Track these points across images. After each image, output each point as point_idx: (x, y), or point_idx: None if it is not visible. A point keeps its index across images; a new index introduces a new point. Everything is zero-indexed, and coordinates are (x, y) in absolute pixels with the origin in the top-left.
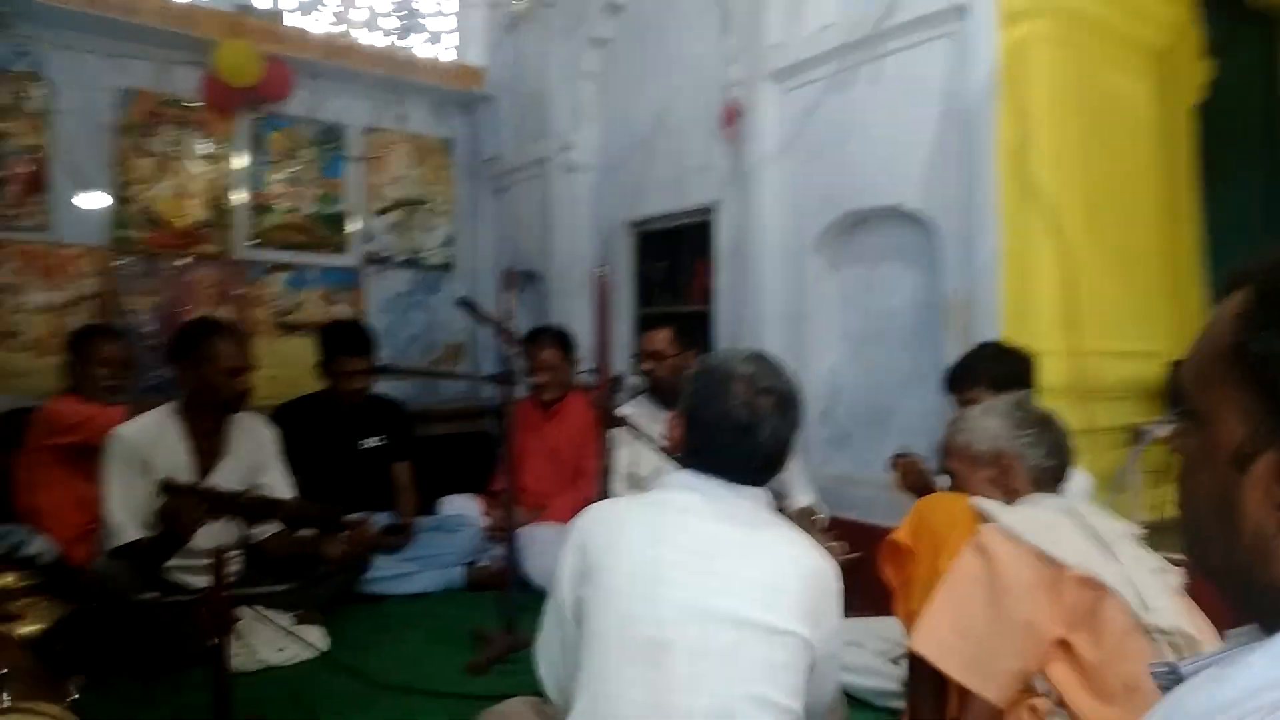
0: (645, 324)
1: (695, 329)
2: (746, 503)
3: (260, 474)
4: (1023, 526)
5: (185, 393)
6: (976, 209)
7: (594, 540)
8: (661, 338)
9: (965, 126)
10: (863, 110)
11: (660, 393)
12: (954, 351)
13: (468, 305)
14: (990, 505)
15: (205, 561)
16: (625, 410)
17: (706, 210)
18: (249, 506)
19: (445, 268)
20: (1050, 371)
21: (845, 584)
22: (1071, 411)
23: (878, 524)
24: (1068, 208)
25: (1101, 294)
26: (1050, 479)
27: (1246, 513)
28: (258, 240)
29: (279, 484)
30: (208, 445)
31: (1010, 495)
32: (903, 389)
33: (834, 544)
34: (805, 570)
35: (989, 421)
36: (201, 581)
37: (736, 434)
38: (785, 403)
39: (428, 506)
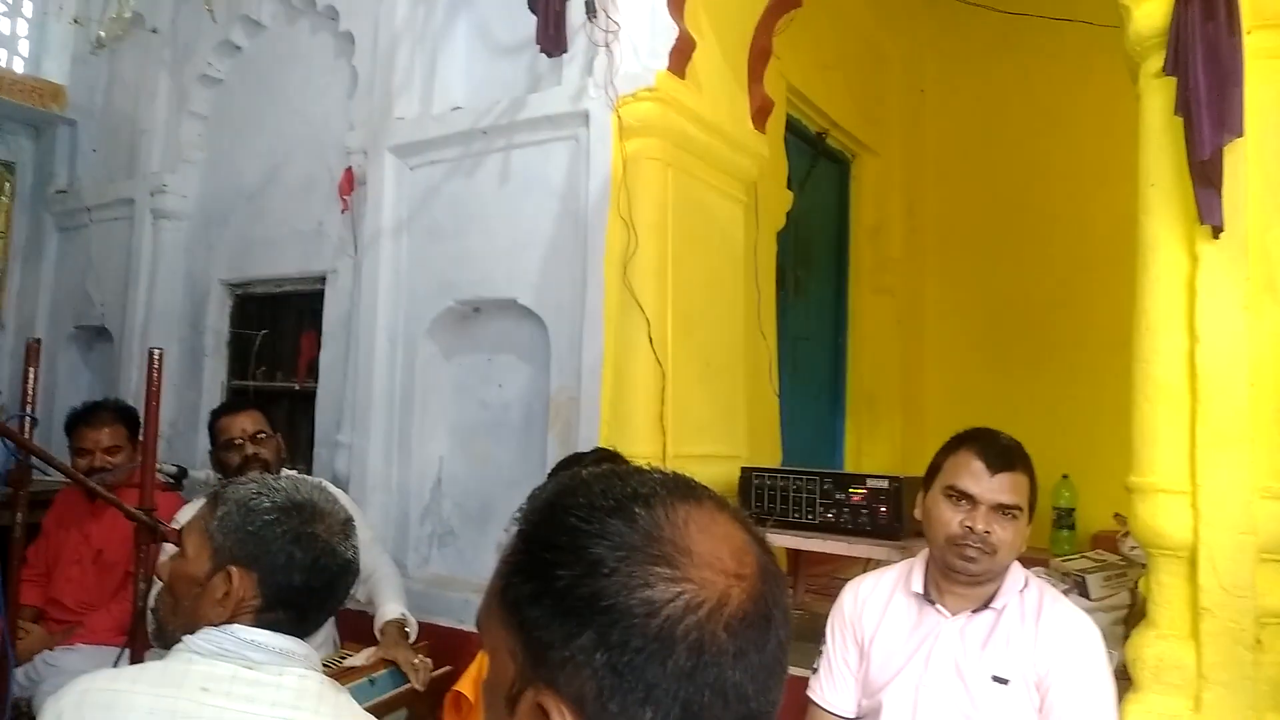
0: (220, 406)
1: (295, 409)
2: (294, 670)
3: None
4: None
5: None
6: (586, 311)
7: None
8: (247, 420)
9: (580, 229)
10: (484, 199)
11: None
12: (557, 450)
13: None
14: None
15: None
16: (196, 507)
17: (319, 279)
18: None
19: None
20: None
21: (431, 700)
22: None
23: (472, 631)
24: (664, 317)
25: (690, 400)
26: None
27: None
28: None
29: None
30: None
31: None
32: (509, 484)
33: (419, 660)
34: None
35: None
36: None
37: (331, 583)
38: (356, 537)
39: None
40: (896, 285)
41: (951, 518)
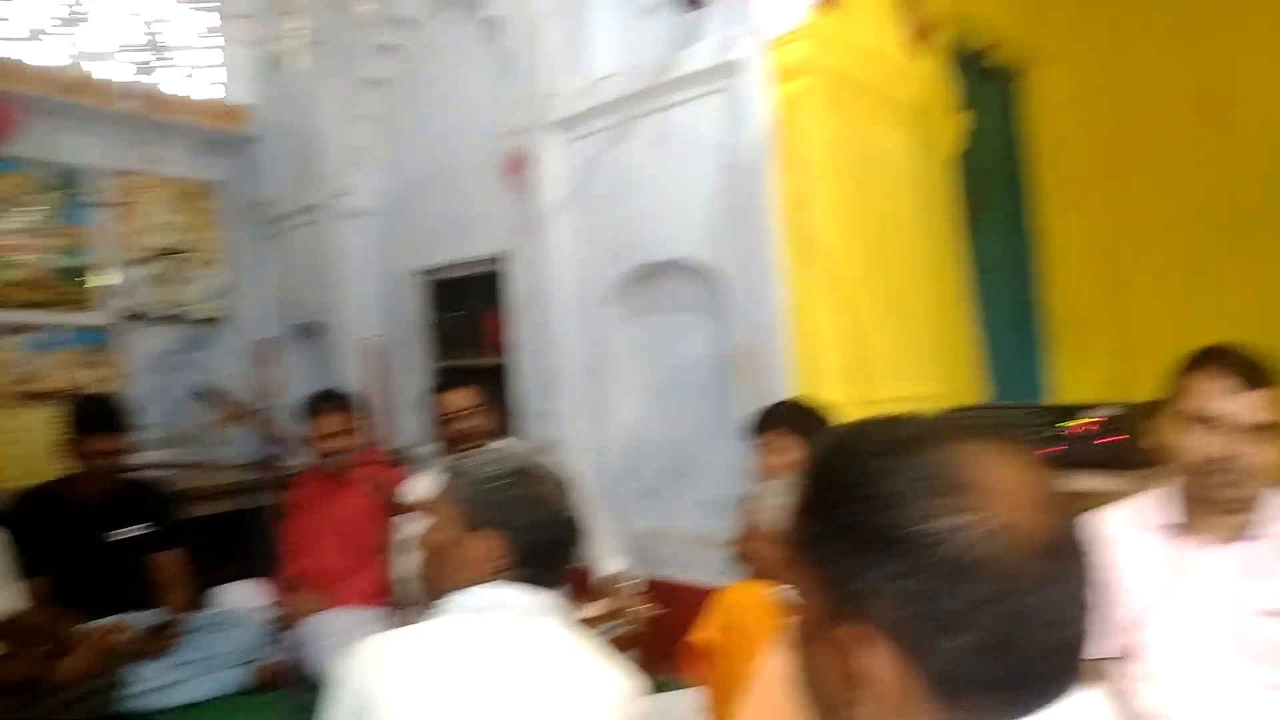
0: (441, 382)
1: (493, 384)
2: (547, 623)
3: None
4: None
5: None
6: (759, 262)
7: (369, 684)
8: (461, 397)
9: (744, 181)
10: (645, 163)
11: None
12: (747, 402)
13: (207, 397)
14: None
15: None
16: (422, 481)
17: (499, 259)
18: None
19: (215, 321)
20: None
21: (649, 643)
22: None
23: (686, 581)
24: (845, 259)
25: (880, 342)
26: None
27: (829, 680)
28: None
29: None
30: None
31: None
32: (703, 440)
33: (642, 607)
34: (607, 699)
35: (788, 499)
36: None
37: (566, 534)
38: (573, 489)
39: (201, 599)
40: (1088, 200)
41: (1199, 444)
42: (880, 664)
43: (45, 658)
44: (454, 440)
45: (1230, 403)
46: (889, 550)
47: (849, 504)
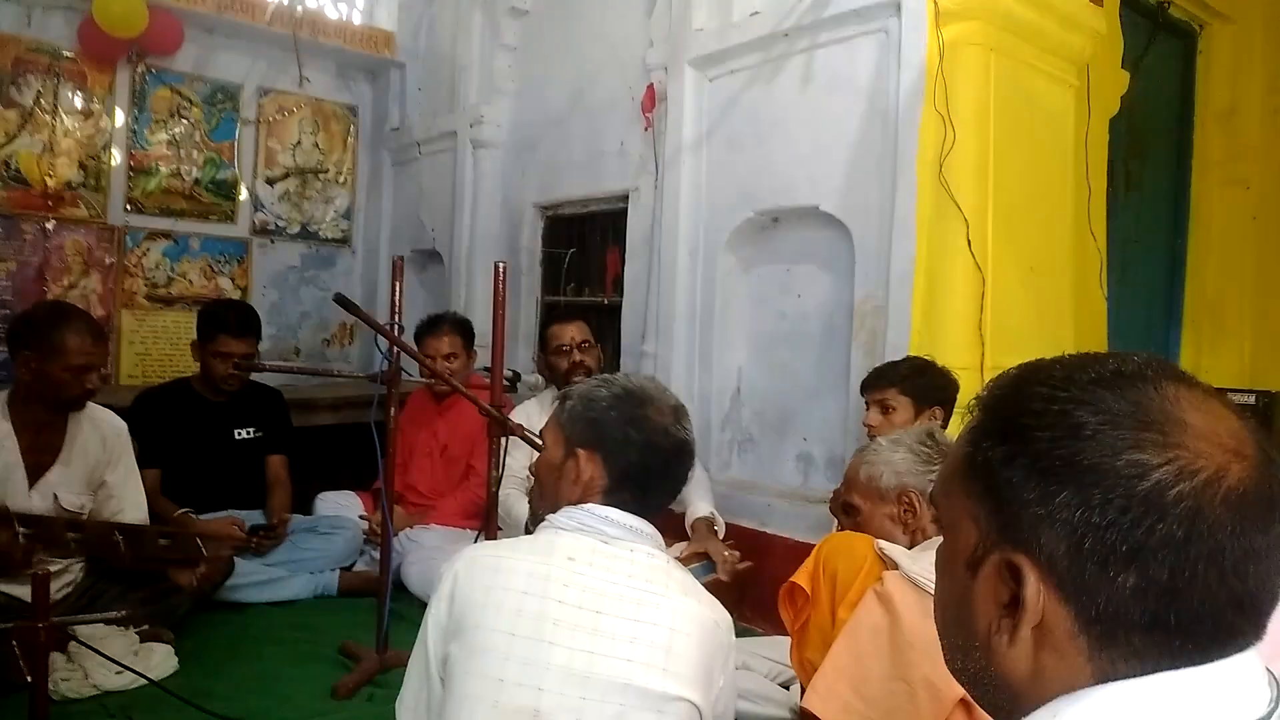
0: (551, 314)
1: (603, 322)
2: (643, 547)
3: (103, 474)
4: (930, 574)
5: (21, 383)
6: (895, 215)
7: (467, 590)
8: (575, 330)
9: (889, 129)
10: (786, 105)
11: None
12: (862, 360)
13: (344, 302)
14: (895, 550)
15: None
16: (527, 408)
17: (622, 198)
18: (83, 542)
19: (342, 242)
20: (961, 389)
21: (738, 595)
22: None
23: (775, 533)
24: (983, 219)
25: (1010, 306)
26: None
27: (976, 612)
28: (135, 205)
29: (126, 489)
30: (42, 443)
31: (914, 536)
32: (809, 394)
33: (729, 553)
34: (698, 627)
35: (896, 455)
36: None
37: (666, 458)
38: (689, 422)
39: (304, 504)
40: (1254, 176)
41: None
42: (1035, 595)
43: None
44: (565, 372)
45: None
46: (1074, 481)
47: (1040, 430)
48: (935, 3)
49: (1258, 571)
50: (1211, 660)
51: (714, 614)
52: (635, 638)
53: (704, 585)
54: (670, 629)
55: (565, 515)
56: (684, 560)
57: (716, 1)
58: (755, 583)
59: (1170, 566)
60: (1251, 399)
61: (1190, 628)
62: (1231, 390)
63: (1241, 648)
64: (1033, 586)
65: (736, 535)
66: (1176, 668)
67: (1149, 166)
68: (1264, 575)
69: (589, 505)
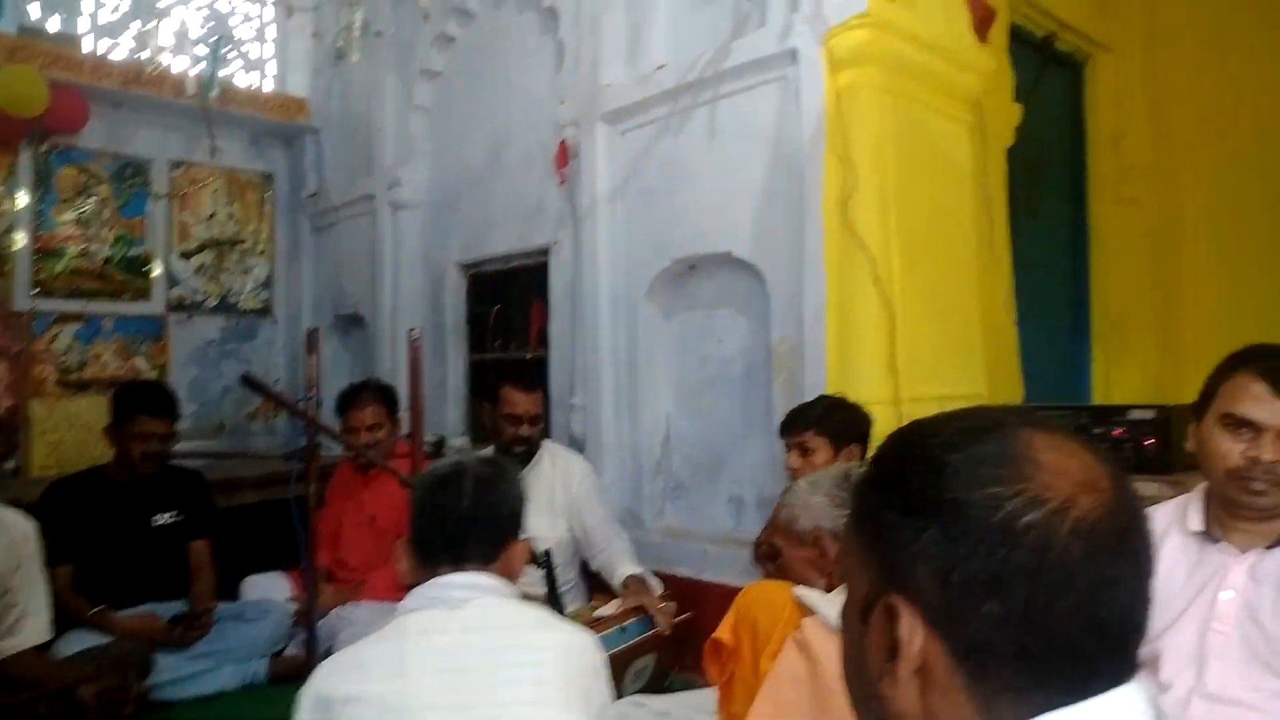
0: (509, 376)
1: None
2: (490, 599)
3: (6, 582)
4: None
5: None
6: (804, 257)
7: (332, 695)
8: (531, 402)
9: (794, 173)
10: (695, 155)
11: (508, 457)
12: (782, 400)
13: (252, 384)
14: (813, 595)
15: None
16: None
17: (542, 252)
18: None
19: (263, 312)
20: (876, 422)
21: (678, 646)
22: None
23: (712, 580)
24: (888, 255)
25: (921, 339)
26: None
27: (869, 660)
28: (42, 288)
29: (29, 596)
30: None
31: (831, 579)
32: (736, 438)
33: (664, 605)
34: (562, 653)
35: (813, 498)
36: None
37: (427, 498)
38: (486, 478)
39: (231, 588)
40: (1144, 195)
41: (1231, 448)
42: (914, 635)
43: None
44: (508, 439)
45: (1263, 407)
46: (938, 515)
47: (910, 475)
48: (830, 50)
49: (1112, 599)
50: (1088, 697)
51: (573, 638)
52: (501, 682)
53: (643, 640)
54: (535, 663)
55: (411, 596)
56: (620, 616)
57: (623, 57)
58: (696, 633)
59: (1026, 594)
60: (1153, 413)
61: (1053, 656)
62: (1135, 406)
63: (1114, 681)
64: (906, 624)
65: (674, 585)
66: (1054, 707)
67: (1047, 193)
68: (1120, 603)
69: (431, 580)
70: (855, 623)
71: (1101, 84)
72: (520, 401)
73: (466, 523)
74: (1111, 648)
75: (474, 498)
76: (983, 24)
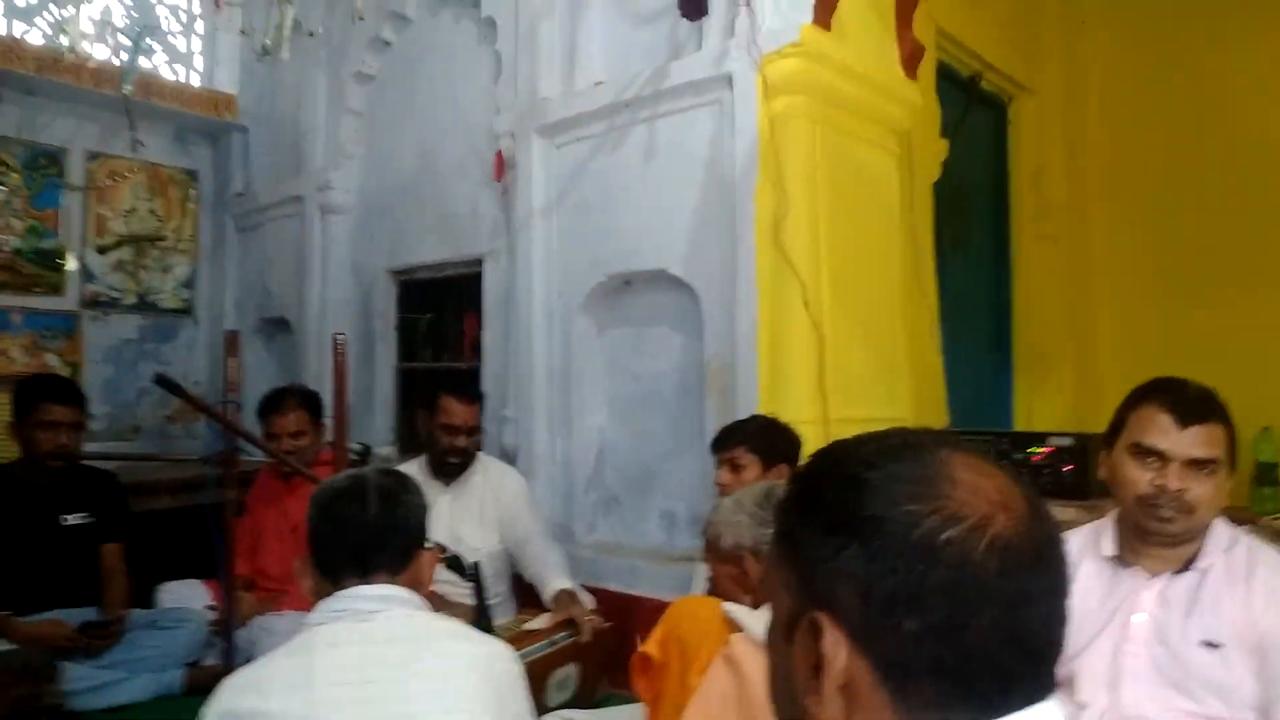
0: (449, 385)
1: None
2: (401, 610)
3: None
4: None
5: None
6: (737, 277)
7: (237, 710)
8: (471, 414)
9: (728, 195)
10: (630, 172)
11: (441, 468)
12: (714, 417)
13: (167, 384)
14: (740, 611)
15: None
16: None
17: (476, 262)
18: None
19: (184, 312)
20: (805, 443)
21: (605, 659)
22: None
23: (644, 594)
24: (818, 279)
25: (849, 363)
26: None
27: (795, 679)
28: None
29: None
30: None
31: (756, 597)
32: (668, 453)
33: (590, 617)
34: (473, 662)
35: (736, 516)
36: None
37: (327, 509)
38: (389, 488)
39: (144, 596)
40: (1061, 232)
41: (1140, 477)
42: (838, 651)
43: None
44: (443, 450)
45: (1168, 438)
46: (858, 533)
47: (828, 494)
48: (764, 77)
49: (1029, 615)
50: (1008, 712)
51: (487, 648)
52: (412, 694)
53: (565, 649)
54: (444, 674)
55: (317, 611)
56: (549, 630)
57: (560, 70)
58: (624, 647)
59: (945, 610)
60: (1070, 441)
61: (972, 672)
62: (1054, 434)
63: (1032, 696)
64: (830, 640)
65: (605, 599)
66: None
67: (972, 226)
68: (1037, 619)
69: (339, 592)
70: (780, 642)
71: (1024, 124)
72: (459, 413)
73: (373, 533)
74: (1029, 663)
75: (380, 509)
76: (911, 59)
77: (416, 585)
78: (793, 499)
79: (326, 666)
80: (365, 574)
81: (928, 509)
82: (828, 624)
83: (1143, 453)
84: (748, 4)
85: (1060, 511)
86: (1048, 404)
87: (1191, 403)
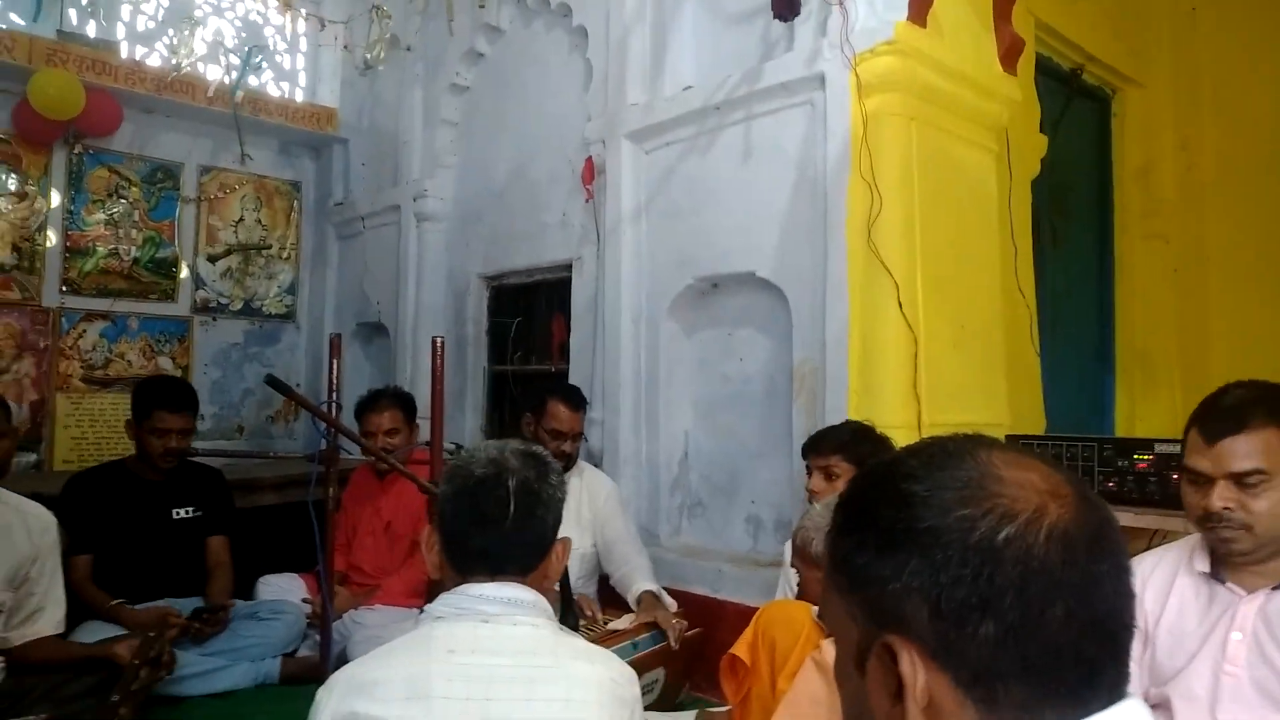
0: (558, 390)
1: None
2: (526, 619)
3: (27, 570)
4: None
5: None
6: (828, 279)
7: (353, 713)
8: (577, 420)
9: (819, 197)
10: (720, 175)
11: None
12: (803, 421)
13: (277, 385)
14: None
15: None
16: None
17: (565, 267)
18: None
19: (286, 317)
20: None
21: (686, 664)
22: None
23: (728, 599)
24: (912, 280)
25: (944, 366)
26: None
27: (876, 711)
28: (71, 286)
29: (48, 587)
30: None
31: None
32: (754, 457)
33: (676, 621)
34: (596, 689)
35: (827, 519)
36: None
37: (474, 495)
38: (529, 483)
39: (245, 588)
40: (1171, 230)
41: (1194, 501)
42: (917, 672)
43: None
44: (554, 455)
45: (1203, 457)
46: (916, 547)
47: (879, 514)
48: (857, 76)
49: (1102, 598)
50: (1094, 704)
51: (610, 672)
52: (535, 716)
53: (652, 654)
54: (566, 699)
55: (441, 602)
56: (633, 630)
57: (650, 77)
58: (708, 651)
59: (1019, 608)
60: (1177, 448)
61: (1059, 665)
62: (1161, 440)
63: (1115, 685)
64: (907, 662)
65: (689, 603)
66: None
67: (1073, 224)
68: (1110, 601)
69: (464, 587)
70: (852, 675)
71: (1129, 118)
72: (566, 418)
73: (509, 541)
74: (1109, 647)
75: (518, 508)
76: (1010, 54)
77: (547, 577)
78: (841, 527)
79: (445, 675)
80: (494, 574)
81: (981, 510)
82: (901, 645)
83: (1191, 475)
84: (841, 3)
85: (1164, 522)
86: (1153, 409)
87: (1220, 415)
